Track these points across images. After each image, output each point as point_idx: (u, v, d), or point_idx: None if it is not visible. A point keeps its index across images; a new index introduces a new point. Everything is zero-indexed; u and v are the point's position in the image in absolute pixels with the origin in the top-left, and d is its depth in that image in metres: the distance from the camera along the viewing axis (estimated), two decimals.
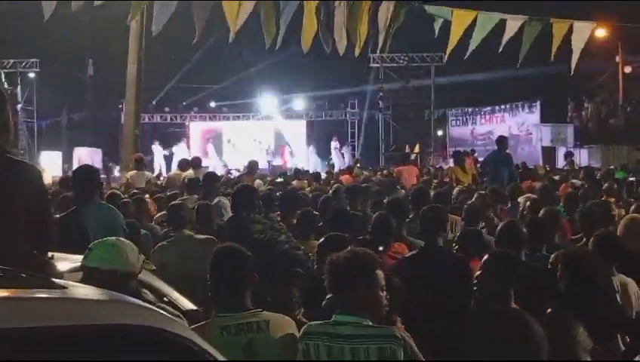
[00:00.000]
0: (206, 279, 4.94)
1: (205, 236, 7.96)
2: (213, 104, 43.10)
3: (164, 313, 3.61)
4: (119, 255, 4.89)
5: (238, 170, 34.62)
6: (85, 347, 2.85)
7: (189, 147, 39.08)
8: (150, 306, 3.55)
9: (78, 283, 3.80)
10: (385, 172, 25.43)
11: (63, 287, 3.31)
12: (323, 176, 22.80)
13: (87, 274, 4.85)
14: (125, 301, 3.38)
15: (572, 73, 18.66)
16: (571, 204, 10.98)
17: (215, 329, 4.68)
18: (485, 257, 5.66)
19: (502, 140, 18.09)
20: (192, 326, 4.74)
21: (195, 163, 17.31)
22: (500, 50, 18.18)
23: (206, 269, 4.95)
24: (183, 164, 18.30)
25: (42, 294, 3.12)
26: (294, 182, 18.45)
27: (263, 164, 37.34)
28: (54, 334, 2.80)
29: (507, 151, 17.88)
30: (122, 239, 5.15)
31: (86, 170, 8.37)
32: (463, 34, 18.15)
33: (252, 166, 18.58)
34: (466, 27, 18.15)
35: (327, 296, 5.09)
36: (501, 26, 18.16)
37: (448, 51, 18.82)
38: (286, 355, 4.68)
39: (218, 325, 4.74)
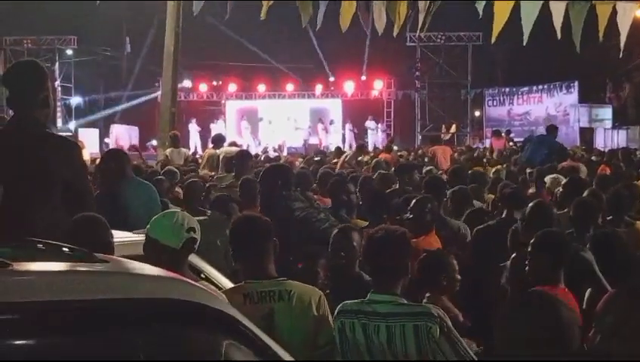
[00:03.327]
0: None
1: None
2: (248, 82, 43.08)
3: (206, 288, 3.64)
4: (178, 231, 4.91)
5: (275, 149, 34.80)
6: (126, 321, 2.88)
7: (225, 125, 39.22)
8: (192, 281, 3.57)
9: (119, 258, 3.83)
10: (420, 152, 25.38)
11: (105, 261, 3.35)
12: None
13: (148, 243, 4.94)
14: (167, 276, 3.41)
15: (621, 55, 18.51)
16: (604, 185, 10.79)
17: (238, 295, 4.65)
18: (533, 239, 5.60)
19: (552, 128, 18.19)
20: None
21: (231, 143, 17.32)
22: (559, 37, 17.95)
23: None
24: (217, 141, 18.31)
25: (84, 268, 3.16)
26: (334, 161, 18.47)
27: (298, 143, 37.49)
28: (96, 307, 2.83)
29: (556, 140, 17.88)
30: (186, 214, 5.18)
31: (116, 150, 8.49)
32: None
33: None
34: (511, 7, 17.95)
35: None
36: (545, 7, 17.92)
37: (495, 35, 18.61)
38: (307, 326, 4.64)
39: (242, 292, 4.72)
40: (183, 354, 2.98)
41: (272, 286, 4.72)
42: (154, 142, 35.68)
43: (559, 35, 18.00)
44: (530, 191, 11.06)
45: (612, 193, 8.62)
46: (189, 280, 3.55)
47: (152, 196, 7.82)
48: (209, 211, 8.43)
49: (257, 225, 4.97)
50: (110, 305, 2.84)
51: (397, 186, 10.29)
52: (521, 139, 28.12)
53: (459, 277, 5.87)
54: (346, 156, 18.66)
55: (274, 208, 6.79)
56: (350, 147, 35.58)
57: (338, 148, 24.27)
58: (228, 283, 5.81)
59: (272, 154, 27.18)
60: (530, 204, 6.98)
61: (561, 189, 9.55)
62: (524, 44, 18.36)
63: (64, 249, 3.31)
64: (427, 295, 5.68)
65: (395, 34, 20.21)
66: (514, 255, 6.00)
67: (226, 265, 6.32)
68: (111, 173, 7.84)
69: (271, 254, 4.85)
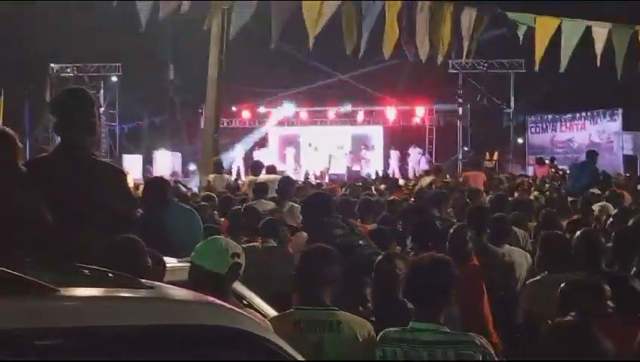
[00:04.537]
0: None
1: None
2: (290, 110, 43.20)
3: (250, 316, 3.65)
4: (223, 256, 4.93)
5: (316, 175, 34.86)
6: (171, 347, 2.89)
7: (266, 151, 39.39)
8: (236, 309, 3.58)
9: (163, 284, 3.86)
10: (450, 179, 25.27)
11: (150, 287, 3.38)
12: (401, 182, 22.72)
13: (192, 270, 4.96)
14: (211, 302, 3.42)
15: None
16: None
17: (289, 322, 4.71)
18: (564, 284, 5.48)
19: (591, 153, 18.09)
20: (269, 318, 4.82)
21: (270, 169, 17.32)
22: (598, 64, 17.87)
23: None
24: (255, 167, 18.40)
25: (129, 293, 3.19)
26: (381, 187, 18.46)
27: (341, 169, 37.51)
28: (140, 333, 2.85)
29: (595, 164, 17.75)
30: (230, 241, 5.21)
31: (157, 178, 8.55)
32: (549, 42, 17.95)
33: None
34: (551, 35, 17.92)
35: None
36: (587, 33, 17.87)
37: (537, 61, 18.54)
38: (356, 357, 4.66)
39: (293, 318, 4.77)
40: None
41: (323, 315, 4.76)
42: (191, 167, 35.96)
43: (599, 63, 17.98)
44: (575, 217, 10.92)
45: None
46: (234, 307, 3.56)
47: (196, 222, 7.85)
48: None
49: (322, 254, 5.02)
50: (155, 331, 2.86)
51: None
52: (566, 167, 27.92)
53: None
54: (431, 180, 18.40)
55: (316, 235, 6.80)
56: (393, 174, 35.59)
57: (385, 175, 24.22)
58: (269, 310, 5.82)
59: (313, 181, 27.22)
60: (579, 233, 6.87)
61: (610, 219, 9.48)
62: (562, 70, 18.38)
63: (110, 274, 3.34)
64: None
65: (439, 62, 20.23)
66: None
67: (274, 293, 6.36)
68: (153, 200, 7.89)
69: (329, 284, 4.88)
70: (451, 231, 7.43)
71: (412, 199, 13.74)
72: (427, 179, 16.33)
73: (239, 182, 22.39)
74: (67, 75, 39.02)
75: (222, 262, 4.89)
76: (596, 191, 13.91)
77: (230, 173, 31.40)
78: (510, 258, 7.91)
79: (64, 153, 5.40)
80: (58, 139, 5.63)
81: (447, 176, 26.04)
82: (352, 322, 4.78)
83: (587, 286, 5.32)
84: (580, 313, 5.08)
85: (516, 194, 15.54)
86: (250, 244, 7.82)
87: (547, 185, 20.05)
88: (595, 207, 11.00)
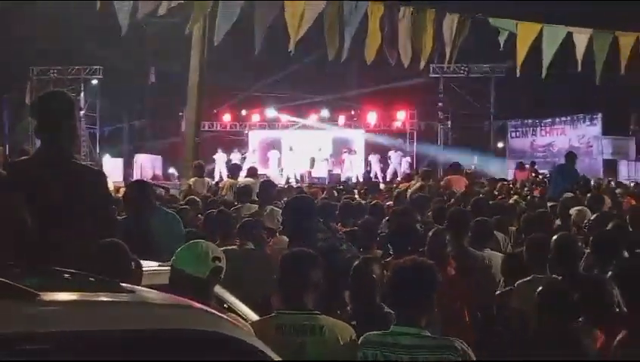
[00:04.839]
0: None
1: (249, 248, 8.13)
2: (272, 113, 43.17)
3: (232, 320, 3.64)
4: (204, 260, 4.92)
5: (297, 179, 34.85)
6: (151, 351, 2.88)
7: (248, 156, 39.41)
8: (217, 313, 3.58)
9: (145, 288, 3.85)
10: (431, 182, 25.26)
11: (131, 291, 3.37)
12: (382, 186, 22.71)
13: (173, 274, 4.94)
14: (192, 306, 3.40)
15: None
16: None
17: (271, 326, 4.71)
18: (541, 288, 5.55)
19: (570, 155, 18.08)
20: (251, 322, 4.81)
21: (251, 172, 17.30)
22: (579, 68, 17.92)
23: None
24: (234, 170, 18.42)
25: (109, 298, 3.17)
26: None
27: (322, 173, 37.52)
28: (121, 337, 2.84)
29: (575, 167, 17.76)
30: (211, 244, 5.20)
31: (140, 181, 8.51)
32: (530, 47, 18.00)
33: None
34: (532, 40, 17.98)
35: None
36: (568, 39, 17.93)
37: (519, 65, 18.59)
38: (337, 361, 4.66)
39: (275, 322, 4.77)
40: None
41: (305, 319, 4.75)
42: (173, 171, 35.90)
43: (579, 67, 18.06)
44: (557, 223, 10.96)
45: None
46: (214, 311, 3.56)
47: (177, 226, 7.84)
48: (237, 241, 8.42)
49: (304, 258, 5.01)
50: (136, 336, 2.86)
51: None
52: (546, 171, 28.04)
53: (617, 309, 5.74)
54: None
55: (297, 239, 6.80)
56: (376, 176, 35.65)
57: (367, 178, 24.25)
58: (252, 315, 5.81)
59: (294, 184, 27.19)
60: (555, 238, 6.91)
61: (588, 223, 9.53)
62: (543, 76, 18.45)
63: (91, 278, 3.33)
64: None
65: (421, 67, 20.24)
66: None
67: (253, 296, 6.35)
68: (135, 203, 7.86)
69: (311, 288, 4.87)
70: (430, 234, 7.45)
71: (389, 203, 13.71)
72: (417, 184, 16.26)
73: (221, 185, 22.36)
74: (48, 77, 38.89)
75: (203, 266, 4.88)
76: (570, 194, 13.89)
77: (213, 176, 31.40)
78: (490, 262, 7.94)
79: (44, 156, 5.39)
80: (38, 142, 5.61)
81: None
82: (334, 326, 4.78)
83: (554, 291, 5.41)
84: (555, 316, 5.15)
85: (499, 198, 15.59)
86: (229, 248, 7.76)
87: (527, 190, 20.11)
88: (573, 211, 11.02)
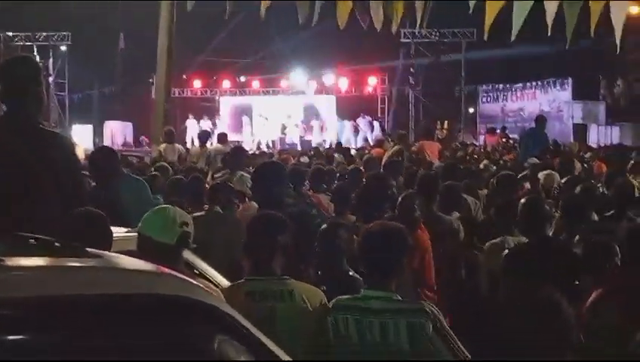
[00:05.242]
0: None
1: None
2: (243, 78, 43.01)
3: (200, 285, 3.61)
4: (171, 226, 4.83)
5: (268, 145, 34.80)
6: (117, 316, 2.86)
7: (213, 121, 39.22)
8: (185, 277, 3.54)
9: (112, 253, 3.81)
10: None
11: (97, 256, 3.34)
12: (353, 152, 22.69)
13: (141, 241, 4.86)
14: (160, 271, 3.37)
15: (618, 51, 18.66)
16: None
17: (240, 293, 4.67)
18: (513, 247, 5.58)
19: (540, 119, 18.01)
20: (221, 288, 4.77)
21: (221, 138, 17.24)
22: (549, 33, 17.94)
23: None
24: (203, 137, 18.35)
25: (75, 263, 3.14)
26: (336, 155, 18.42)
27: (294, 139, 37.49)
28: (87, 302, 2.81)
29: (545, 131, 17.71)
30: (178, 209, 5.13)
31: (104, 148, 8.43)
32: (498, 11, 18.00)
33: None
34: (502, 5, 17.98)
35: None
36: (538, 4, 17.95)
37: (487, 30, 18.60)
38: (308, 326, 4.63)
39: (244, 289, 4.73)
40: (175, 351, 2.94)
41: (275, 285, 4.72)
42: (143, 138, 35.71)
43: (549, 32, 18.10)
44: (526, 187, 10.99)
45: (615, 188, 8.45)
46: (183, 276, 3.52)
47: (145, 192, 7.78)
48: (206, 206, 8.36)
49: (273, 222, 4.95)
50: (101, 301, 2.83)
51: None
52: (516, 136, 28.15)
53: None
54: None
55: (267, 204, 6.77)
56: (348, 143, 35.63)
57: (339, 144, 24.23)
58: (223, 280, 5.79)
59: (265, 150, 27.16)
60: (522, 200, 6.92)
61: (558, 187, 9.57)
62: (512, 39, 18.48)
63: (56, 244, 3.29)
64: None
65: (393, 31, 20.24)
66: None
67: (223, 261, 6.33)
68: (102, 170, 7.79)
69: (279, 252, 4.82)
70: (400, 198, 7.45)
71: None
72: (395, 147, 16.10)
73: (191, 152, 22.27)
74: (15, 43, 38.48)
75: (170, 231, 4.82)
76: (536, 160, 13.87)
77: (185, 143, 31.26)
78: (459, 225, 7.96)
79: (10, 122, 5.33)
80: (4, 108, 5.54)
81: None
82: (304, 291, 4.74)
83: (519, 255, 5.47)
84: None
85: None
86: (196, 214, 7.67)
87: (497, 154, 20.18)
88: (541, 175, 11.04)
